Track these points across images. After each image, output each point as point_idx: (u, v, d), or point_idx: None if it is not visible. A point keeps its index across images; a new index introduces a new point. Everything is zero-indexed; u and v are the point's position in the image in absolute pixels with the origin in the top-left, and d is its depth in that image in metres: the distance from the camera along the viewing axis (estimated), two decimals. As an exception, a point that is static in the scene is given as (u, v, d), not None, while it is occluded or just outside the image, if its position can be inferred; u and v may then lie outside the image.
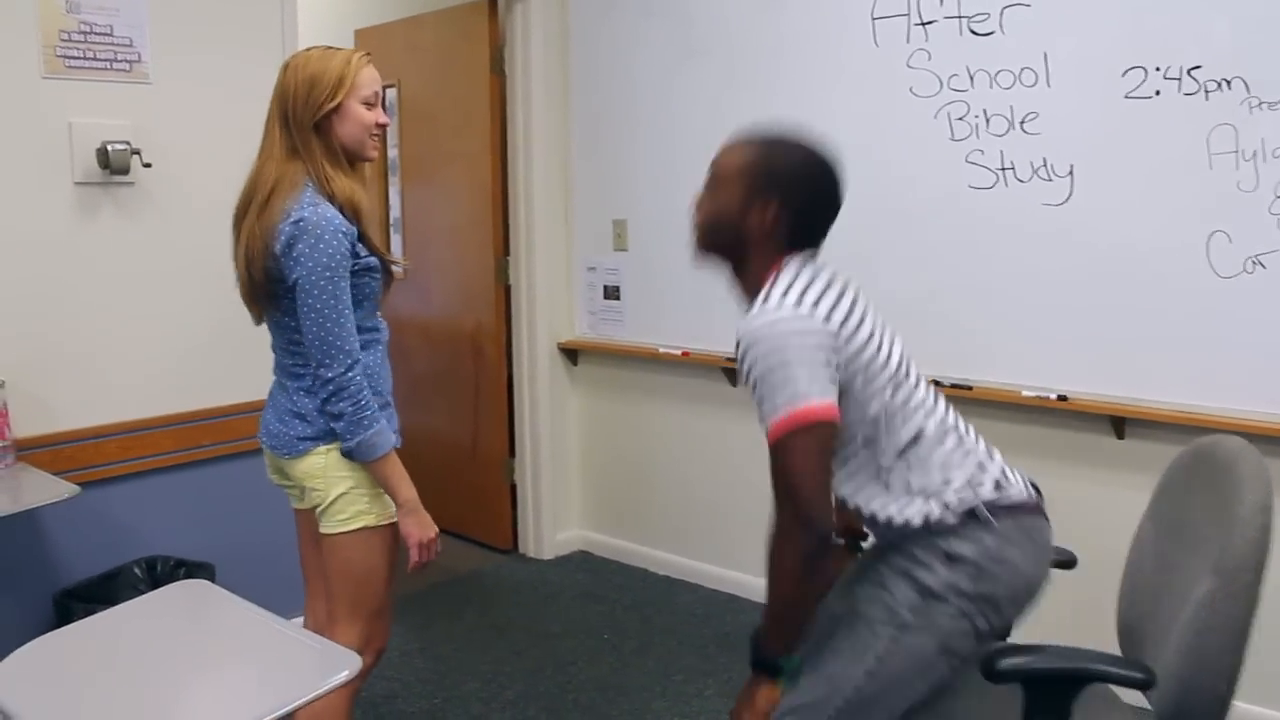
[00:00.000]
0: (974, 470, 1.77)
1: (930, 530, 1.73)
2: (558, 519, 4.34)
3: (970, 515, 1.72)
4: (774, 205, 1.76)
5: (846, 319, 1.71)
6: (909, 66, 3.21)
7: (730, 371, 3.75)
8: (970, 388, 3.15)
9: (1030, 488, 1.84)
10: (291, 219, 1.99)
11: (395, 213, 4.66)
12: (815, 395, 1.64)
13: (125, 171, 2.86)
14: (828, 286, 1.74)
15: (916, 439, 1.76)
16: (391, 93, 4.47)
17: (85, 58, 2.84)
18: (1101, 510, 2.91)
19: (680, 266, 3.73)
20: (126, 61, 2.92)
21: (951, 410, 1.86)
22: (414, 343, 4.55)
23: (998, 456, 1.85)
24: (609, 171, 4.06)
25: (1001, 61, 3.02)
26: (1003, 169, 3.06)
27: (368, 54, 2.12)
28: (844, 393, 1.70)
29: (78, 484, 2.83)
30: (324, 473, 2.09)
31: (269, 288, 2.06)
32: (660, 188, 3.88)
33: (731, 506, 3.84)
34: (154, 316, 3.04)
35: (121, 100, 2.92)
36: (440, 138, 4.39)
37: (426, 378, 4.57)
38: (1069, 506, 3.12)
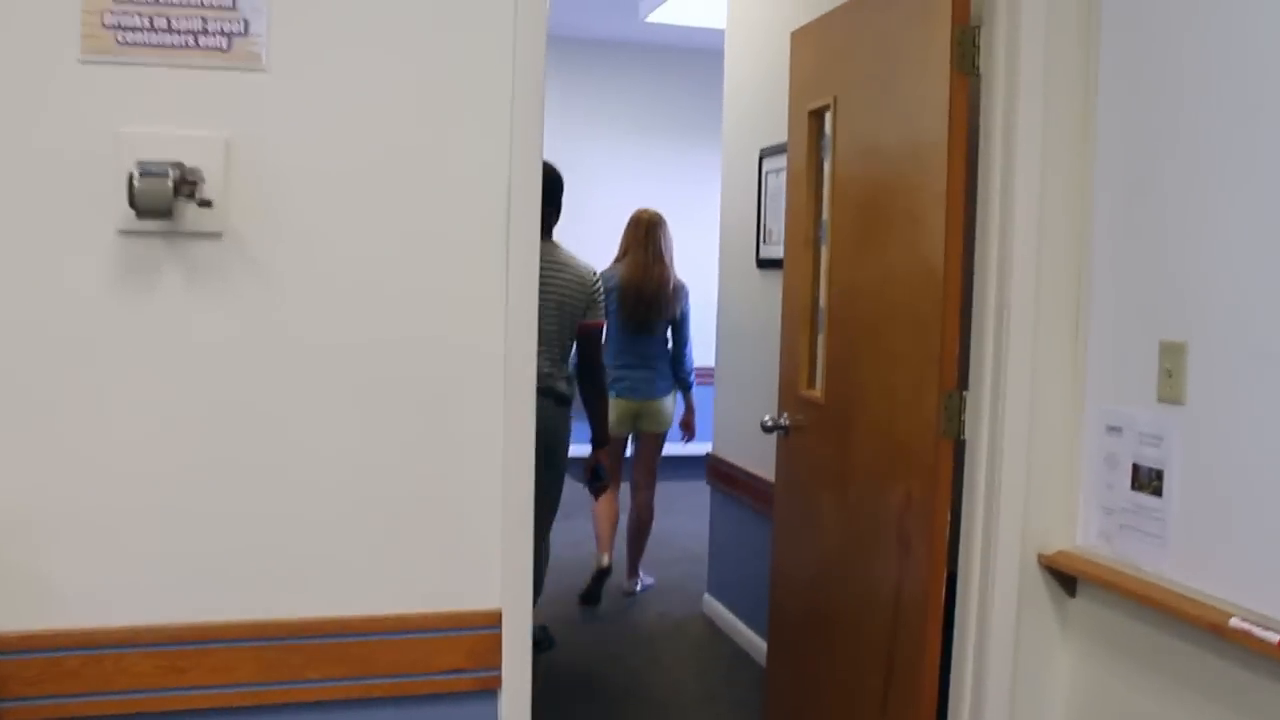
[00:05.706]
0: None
1: None
2: None
3: None
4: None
5: None
6: None
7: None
8: None
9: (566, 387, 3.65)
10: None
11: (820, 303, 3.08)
12: None
13: (164, 215, 1.68)
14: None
15: None
16: (827, 119, 2.93)
17: (152, 29, 1.73)
18: None
19: None
20: (223, 35, 1.76)
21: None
22: (819, 508, 2.92)
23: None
24: (1160, 250, 2.11)
25: None
26: None
27: None
28: None
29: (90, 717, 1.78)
30: (672, 406, 4.98)
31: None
32: (1258, 282, 1.87)
33: None
34: (244, 453, 1.83)
35: (212, 97, 1.77)
36: (876, 183, 2.74)
37: (822, 574, 2.92)
38: None
